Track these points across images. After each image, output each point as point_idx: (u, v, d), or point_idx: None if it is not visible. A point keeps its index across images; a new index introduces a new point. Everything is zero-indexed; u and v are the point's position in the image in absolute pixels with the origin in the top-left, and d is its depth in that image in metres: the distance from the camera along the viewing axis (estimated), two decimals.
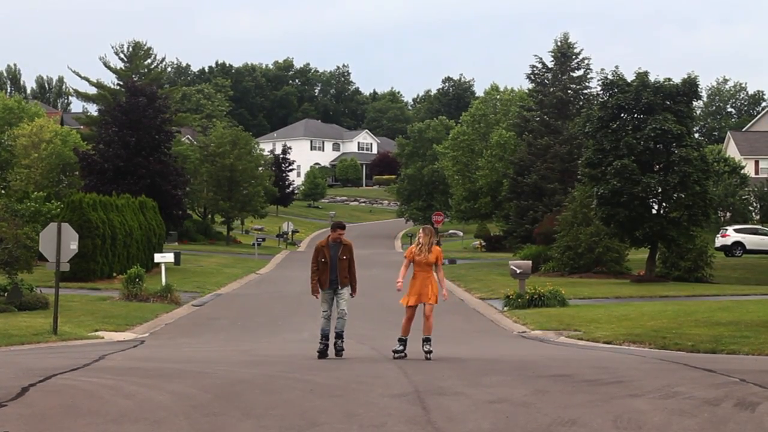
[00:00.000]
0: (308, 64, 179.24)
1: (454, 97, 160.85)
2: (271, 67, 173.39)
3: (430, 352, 15.00)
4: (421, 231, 15.51)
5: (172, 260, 36.55)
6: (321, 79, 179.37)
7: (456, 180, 74.63)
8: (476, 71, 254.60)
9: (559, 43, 62.88)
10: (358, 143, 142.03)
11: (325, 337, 15.63)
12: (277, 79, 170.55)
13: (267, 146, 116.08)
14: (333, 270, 15.66)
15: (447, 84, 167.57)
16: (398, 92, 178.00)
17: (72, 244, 21.29)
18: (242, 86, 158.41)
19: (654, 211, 41.11)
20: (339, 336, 15.67)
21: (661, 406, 9.90)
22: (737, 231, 55.54)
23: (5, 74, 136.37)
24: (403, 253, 19.84)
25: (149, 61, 77.72)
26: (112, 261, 39.12)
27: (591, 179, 41.62)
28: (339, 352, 15.56)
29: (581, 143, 49.67)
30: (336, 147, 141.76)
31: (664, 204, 41.24)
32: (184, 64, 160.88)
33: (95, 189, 49.49)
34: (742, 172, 70.06)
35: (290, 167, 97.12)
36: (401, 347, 15.19)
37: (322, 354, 15.37)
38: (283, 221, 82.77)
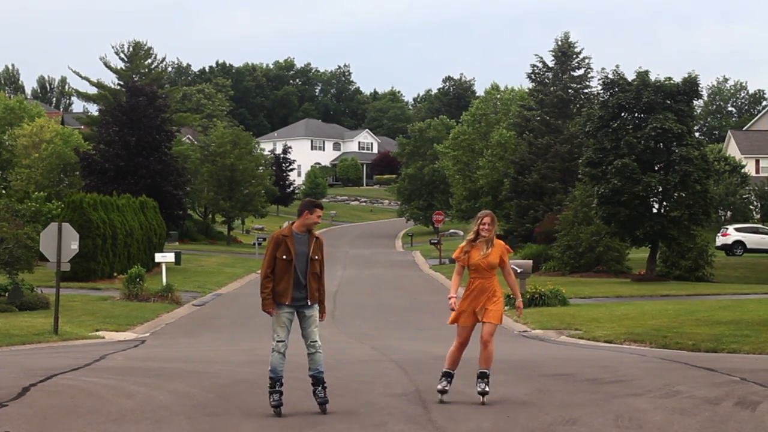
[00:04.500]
0: (309, 63, 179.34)
1: (455, 97, 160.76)
2: (271, 66, 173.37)
3: (485, 393, 10.25)
4: (482, 218, 10.47)
5: (173, 260, 36.55)
6: (321, 79, 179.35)
7: (456, 179, 74.56)
8: (477, 71, 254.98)
9: (559, 43, 62.77)
10: (359, 143, 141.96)
11: (278, 382, 9.82)
12: (278, 79, 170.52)
13: (267, 146, 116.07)
14: (299, 275, 9.81)
15: (447, 83, 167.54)
16: (399, 92, 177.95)
17: (73, 244, 21.28)
18: (243, 86, 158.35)
19: (654, 211, 41.08)
20: (319, 381, 9.95)
21: (662, 405, 9.91)
22: (738, 230, 55.47)
23: (4, 75, 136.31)
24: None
25: (149, 61, 77.68)
26: (112, 261, 39.12)
27: (591, 178, 41.62)
28: (323, 404, 9.87)
29: (582, 142, 49.62)
30: (336, 146, 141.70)
31: (664, 203, 41.22)
32: (184, 64, 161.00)
33: (96, 189, 49.47)
34: (742, 171, 70.03)
35: (291, 167, 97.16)
36: (446, 384, 10.46)
37: (277, 408, 9.70)
38: (284, 221, 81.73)
